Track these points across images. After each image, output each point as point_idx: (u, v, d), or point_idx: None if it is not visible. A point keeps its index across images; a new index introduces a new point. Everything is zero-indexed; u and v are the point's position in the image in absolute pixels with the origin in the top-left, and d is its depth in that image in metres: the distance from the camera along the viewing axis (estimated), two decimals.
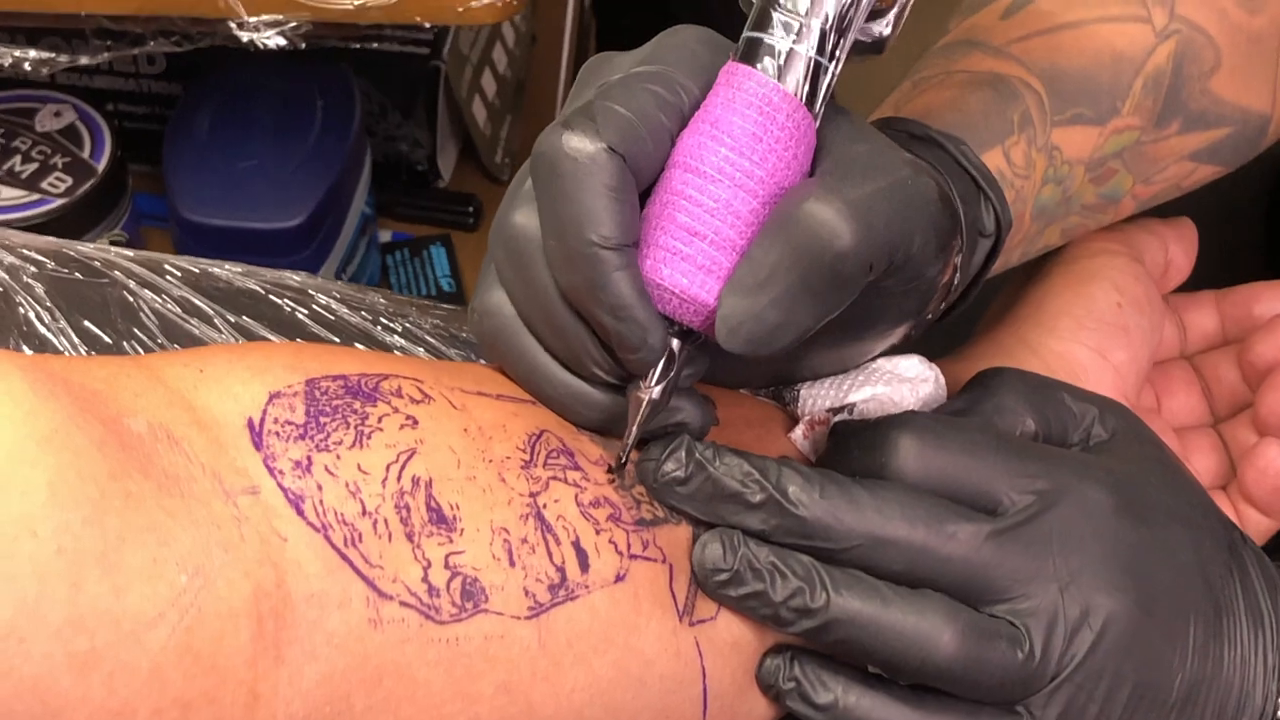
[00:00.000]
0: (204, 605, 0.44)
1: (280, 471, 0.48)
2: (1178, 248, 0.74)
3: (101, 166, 1.00)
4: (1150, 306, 0.71)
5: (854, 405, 0.60)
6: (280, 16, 0.85)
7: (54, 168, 1.01)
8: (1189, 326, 0.77)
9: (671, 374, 0.53)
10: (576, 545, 0.52)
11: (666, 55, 0.53)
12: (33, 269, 0.57)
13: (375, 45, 1.02)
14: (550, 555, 0.52)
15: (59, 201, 0.98)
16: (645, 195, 0.53)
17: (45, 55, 0.88)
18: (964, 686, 0.54)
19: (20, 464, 0.42)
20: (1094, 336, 0.69)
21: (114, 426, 0.45)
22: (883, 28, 0.55)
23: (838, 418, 0.59)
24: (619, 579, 0.53)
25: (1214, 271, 0.78)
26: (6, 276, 0.56)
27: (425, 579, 0.49)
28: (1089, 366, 0.68)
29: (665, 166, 0.53)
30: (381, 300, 0.62)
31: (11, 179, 1.00)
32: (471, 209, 1.16)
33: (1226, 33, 0.70)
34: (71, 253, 0.58)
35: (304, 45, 0.86)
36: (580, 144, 0.50)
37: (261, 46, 0.86)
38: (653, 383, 0.53)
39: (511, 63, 1.19)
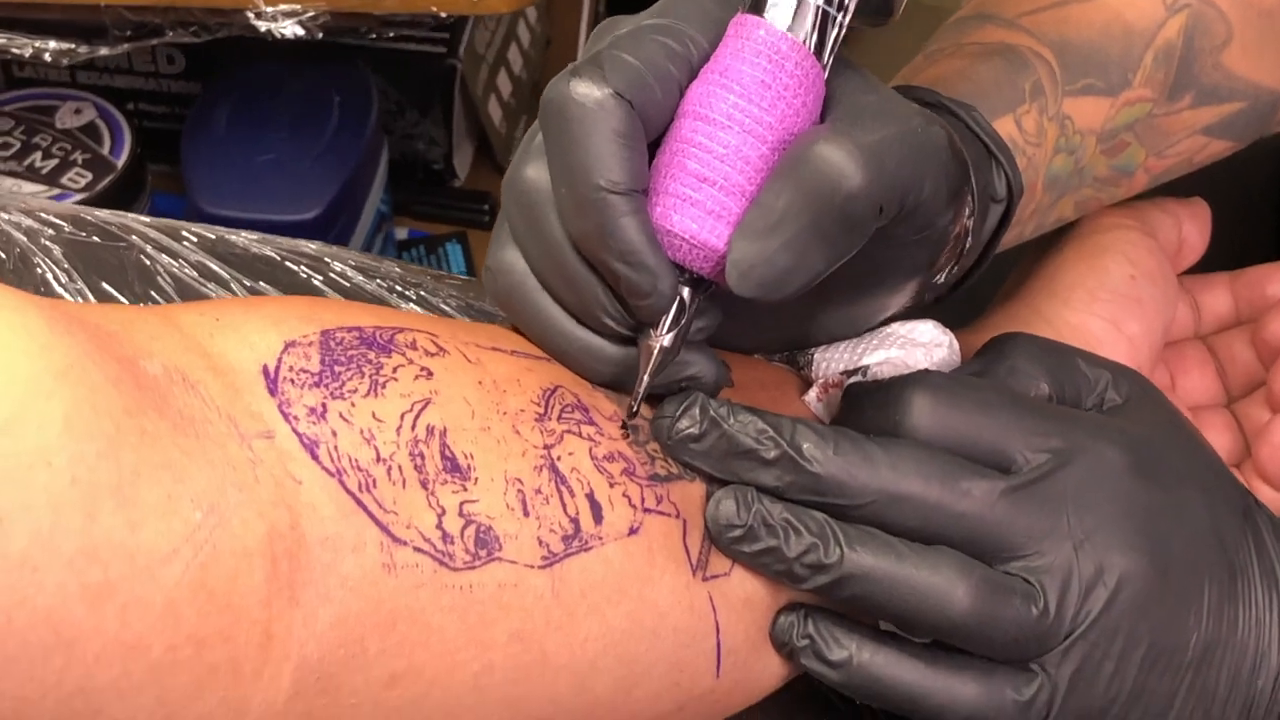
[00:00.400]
0: (218, 543, 0.44)
1: (295, 417, 0.48)
2: (1191, 225, 0.75)
3: (121, 162, 1.01)
4: (1164, 280, 0.71)
5: (868, 368, 0.60)
6: (297, 6, 0.86)
7: (74, 163, 1.02)
8: (1203, 307, 0.77)
9: (683, 322, 0.53)
10: (590, 497, 0.53)
11: (676, 9, 0.54)
12: (50, 231, 0.57)
13: (392, 44, 1.03)
14: (564, 506, 0.52)
15: (79, 196, 0.99)
16: (655, 146, 0.53)
17: (65, 46, 0.89)
18: (978, 642, 0.54)
19: (36, 396, 0.42)
20: (1108, 308, 0.69)
21: (129, 366, 0.45)
22: None
23: (852, 380, 0.60)
24: (632, 531, 0.53)
25: (1226, 261, 0.79)
26: (24, 238, 0.57)
27: (439, 526, 0.49)
28: (1103, 337, 0.68)
29: (675, 117, 0.53)
30: (397, 269, 0.62)
31: (32, 174, 1.01)
32: (487, 207, 1.17)
33: (1238, 7, 0.70)
34: (89, 218, 0.59)
35: (320, 35, 0.87)
36: (588, 90, 0.51)
37: (279, 36, 0.86)
38: (664, 331, 0.53)
39: (527, 64, 1.19)
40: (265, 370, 0.49)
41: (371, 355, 0.51)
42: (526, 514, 0.51)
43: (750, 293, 0.52)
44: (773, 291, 0.52)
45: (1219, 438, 0.73)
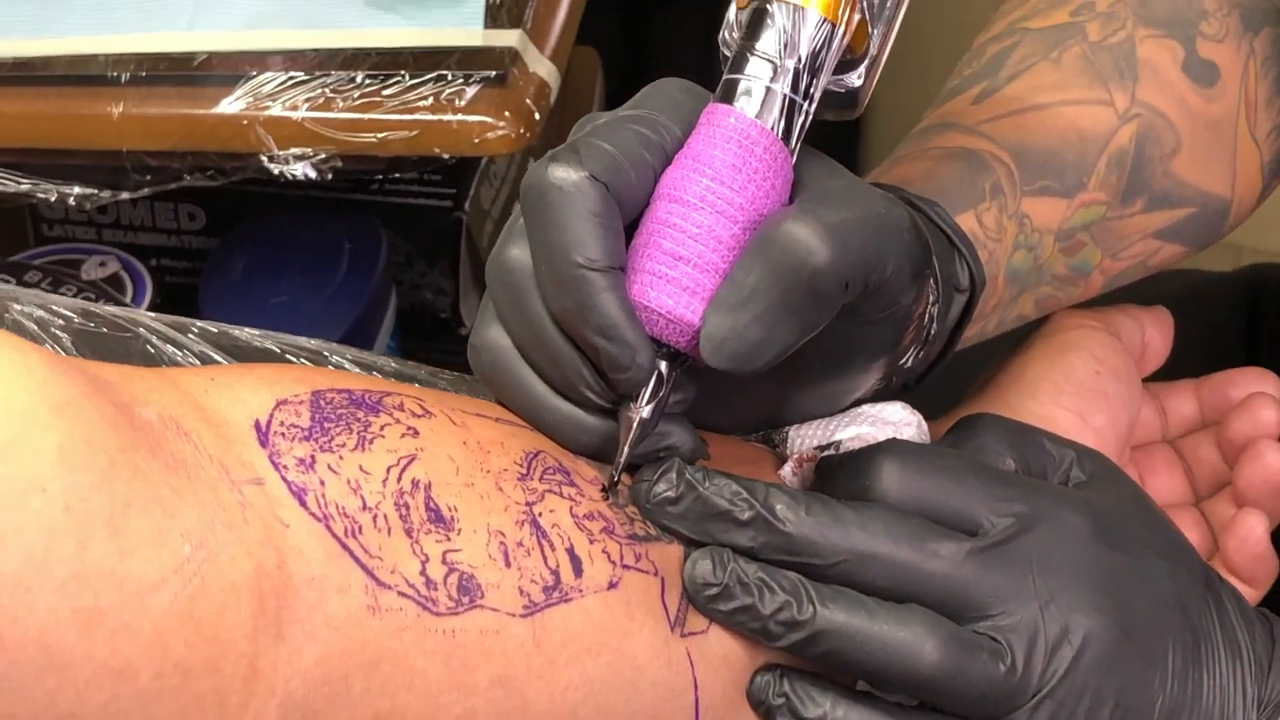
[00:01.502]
0: (206, 576, 0.46)
1: (285, 466, 0.51)
2: (1154, 330, 0.78)
3: (143, 309, 1.05)
4: (1128, 377, 0.74)
5: (840, 443, 0.63)
6: (309, 150, 0.91)
7: None
8: (1169, 412, 0.80)
9: (661, 394, 0.56)
10: (570, 552, 0.55)
11: (650, 102, 0.58)
12: (60, 322, 0.61)
13: (402, 199, 1.07)
14: (545, 559, 0.54)
15: None
16: (632, 229, 0.56)
17: (88, 191, 0.93)
18: (948, 698, 0.56)
19: (33, 426, 0.44)
20: (1074, 400, 0.72)
21: (125, 410, 0.47)
22: (854, 79, 0.59)
23: (824, 454, 0.62)
24: (612, 586, 0.55)
25: (1193, 371, 0.82)
26: (35, 327, 0.60)
27: (423, 572, 0.51)
28: (1069, 429, 0.71)
29: (650, 201, 0.56)
30: (393, 364, 0.66)
31: None
32: None
33: (1186, 118, 0.74)
34: (99, 311, 0.63)
35: (330, 176, 0.91)
36: (565, 173, 0.54)
37: (290, 177, 0.91)
38: (643, 403, 0.56)
39: None
40: (257, 424, 0.51)
41: (360, 414, 0.54)
42: (508, 564, 0.53)
43: (723, 365, 0.54)
44: (744, 363, 0.54)
45: (1189, 534, 0.74)
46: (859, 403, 0.64)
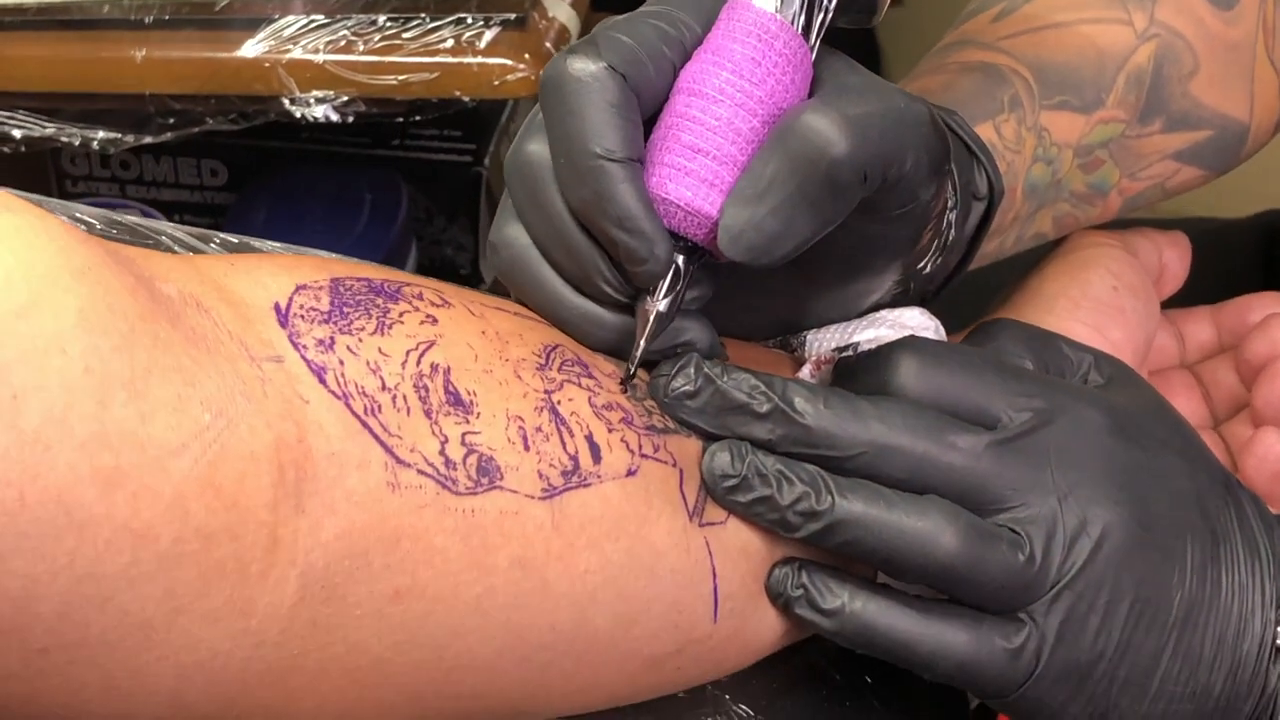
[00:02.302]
0: (226, 443, 0.46)
1: (304, 346, 0.51)
2: (1172, 253, 0.78)
3: None
4: (1145, 294, 0.74)
5: (858, 345, 0.63)
6: (330, 92, 0.92)
7: None
8: (1187, 337, 0.80)
9: (679, 288, 0.56)
10: (590, 439, 0.55)
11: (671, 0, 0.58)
12: (82, 228, 0.61)
13: (422, 155, 1.08)
14: (564, 444, 0.54)
15: None
16: (651, 124, 0.57)
17: (111, 135, 0.94)
18: (966, 587, 0.56)
19: (54, 288, 0.43)
20: (1091, 315, 0.72)
21: (146, 282, 0.47)
22: None
23: (843, 355, 0.63)
24: (630, 473, 0.55)
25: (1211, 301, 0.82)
26: None
27: (442, 452, 0.51)
28: (1087, 341, 0.71)
29: (669, 95, 0.57)
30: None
31: None
32: None
33: (1204, 40, 0.75)
34: (123, 220, 0.63)
35: (351, 119, 0.92)
36: (583, 65, 0.54)
37: (311, 119, 0.92)
38: (660, 296, 0.56)
39: None
40: (277, 306, 0.52)
41: (379, 301, 0.54)
42: (527, 448, 0.53)
43: (740, 256, 0.55)
44: (761, 255, 0.55)
45: None
46: (877, 308, 0.65)
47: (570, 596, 0.53)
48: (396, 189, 1.07)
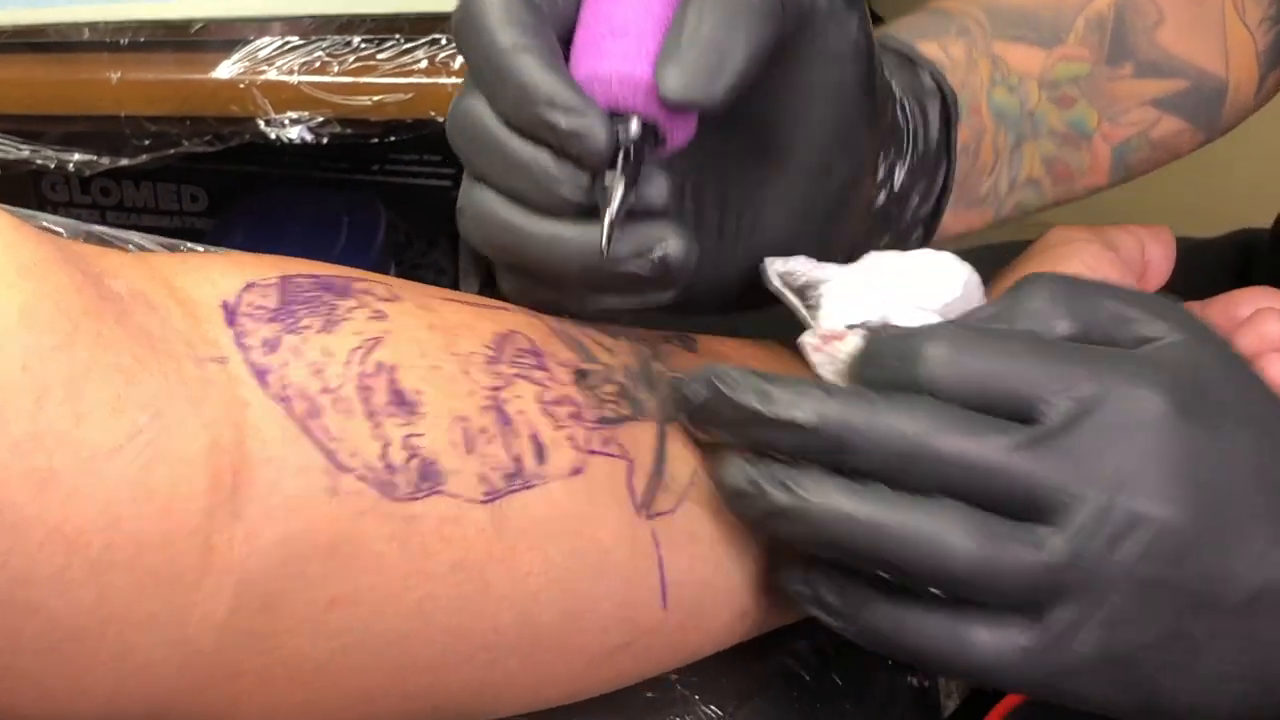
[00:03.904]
0: (161, 447, 0.45)
1: (249, 346, 0.50)
2: (1155, 247, 0.75)
3: None
4: None
5: (868, 323, 0.60)
6: (305, 113, 0.92)
7: None
8: None
9: (633, 159, 0.56)
10: (534, 439, 0.54)
11: None
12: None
13: (401, 179, 1.09)
14: (507, 446, 0.54)
15: None
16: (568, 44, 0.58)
17: (87, 157, 0.94)
18: (986, 595, 0.53)
19: None
20: None
21: (94, 280, 0.47)
22: None
23: (853, 329, 0.59)
24: (576, 472, 0.55)
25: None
26: None
27: (384, 456, 0.51)
28: None
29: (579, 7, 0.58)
30: None
31: None
32: None
33: None
34: (93, 230, 0.63)
35: (325, 140, 0.92)
36: None
37: (286, 141, 0.92)
38: (619, 171, 0.56)
39: None
40: (225, 304, 0.51)
41: (328, 298, 0.53)
42: (470, 451, 0.53)
43: (684, 99, 0.55)
44: (705, 93, 0.55)
45: None
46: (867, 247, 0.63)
47: (512, 599, 0.53)
48: (374, 212, 1.07)
